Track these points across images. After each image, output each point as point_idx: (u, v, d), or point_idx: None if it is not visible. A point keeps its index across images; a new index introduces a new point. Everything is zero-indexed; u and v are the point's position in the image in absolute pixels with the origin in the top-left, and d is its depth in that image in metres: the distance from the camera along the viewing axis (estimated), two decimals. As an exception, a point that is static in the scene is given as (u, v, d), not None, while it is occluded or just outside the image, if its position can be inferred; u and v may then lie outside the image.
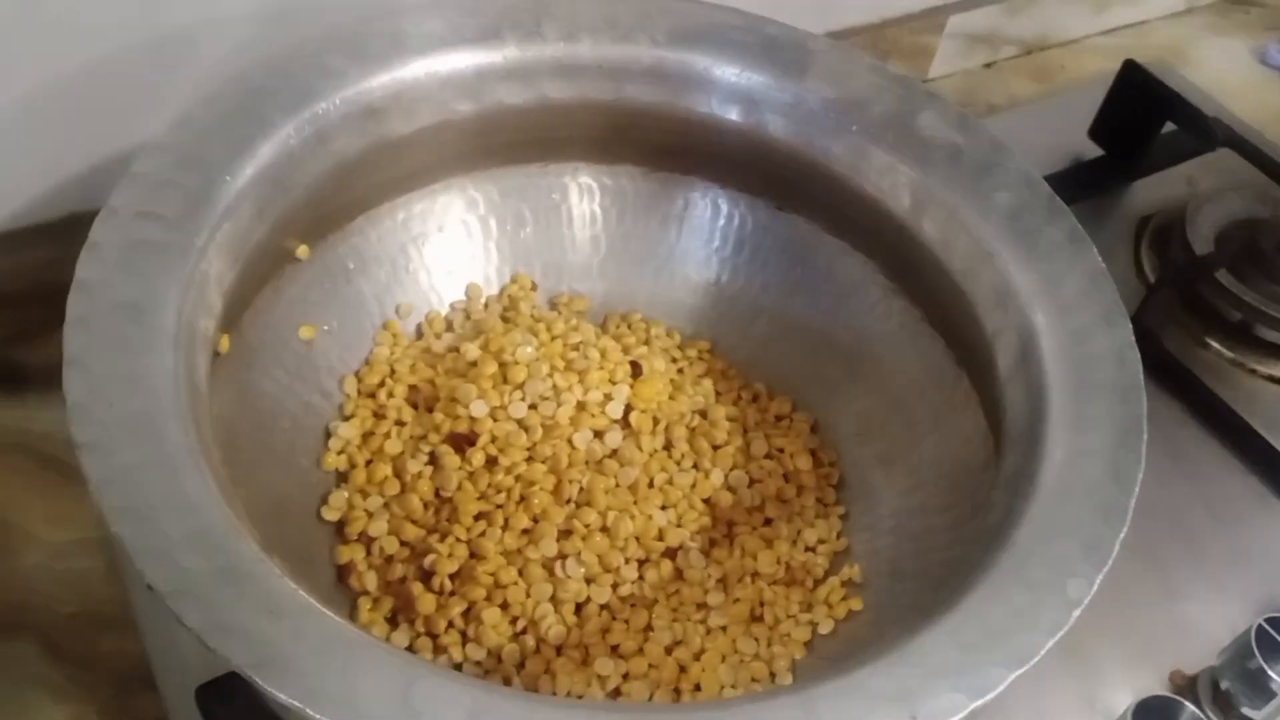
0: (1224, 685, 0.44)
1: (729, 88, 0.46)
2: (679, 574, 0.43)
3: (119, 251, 0.35)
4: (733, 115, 0.46)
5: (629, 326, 0.50)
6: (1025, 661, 0.29)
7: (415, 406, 0.46)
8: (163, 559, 0.28)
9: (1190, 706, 0.41)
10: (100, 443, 0.30)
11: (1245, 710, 0.44)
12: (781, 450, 0.47)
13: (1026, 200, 0.41)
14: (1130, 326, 0.38)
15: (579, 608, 0.41)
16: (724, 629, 0.42)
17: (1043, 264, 0.40)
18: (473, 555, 0.41)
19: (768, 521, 0.45)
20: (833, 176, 0.45)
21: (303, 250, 0.43)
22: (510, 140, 0.47)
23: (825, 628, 0.42)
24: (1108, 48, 0.82)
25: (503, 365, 0.44)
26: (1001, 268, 0.40)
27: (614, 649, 0.40)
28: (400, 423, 0.45)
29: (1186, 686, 0.46)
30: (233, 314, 0.40)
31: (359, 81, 0.41)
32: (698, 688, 0.40)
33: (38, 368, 0.54)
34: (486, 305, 0.50)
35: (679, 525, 0.44)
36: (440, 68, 0.43)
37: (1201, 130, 0.62)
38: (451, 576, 0.40)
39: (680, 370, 0.49)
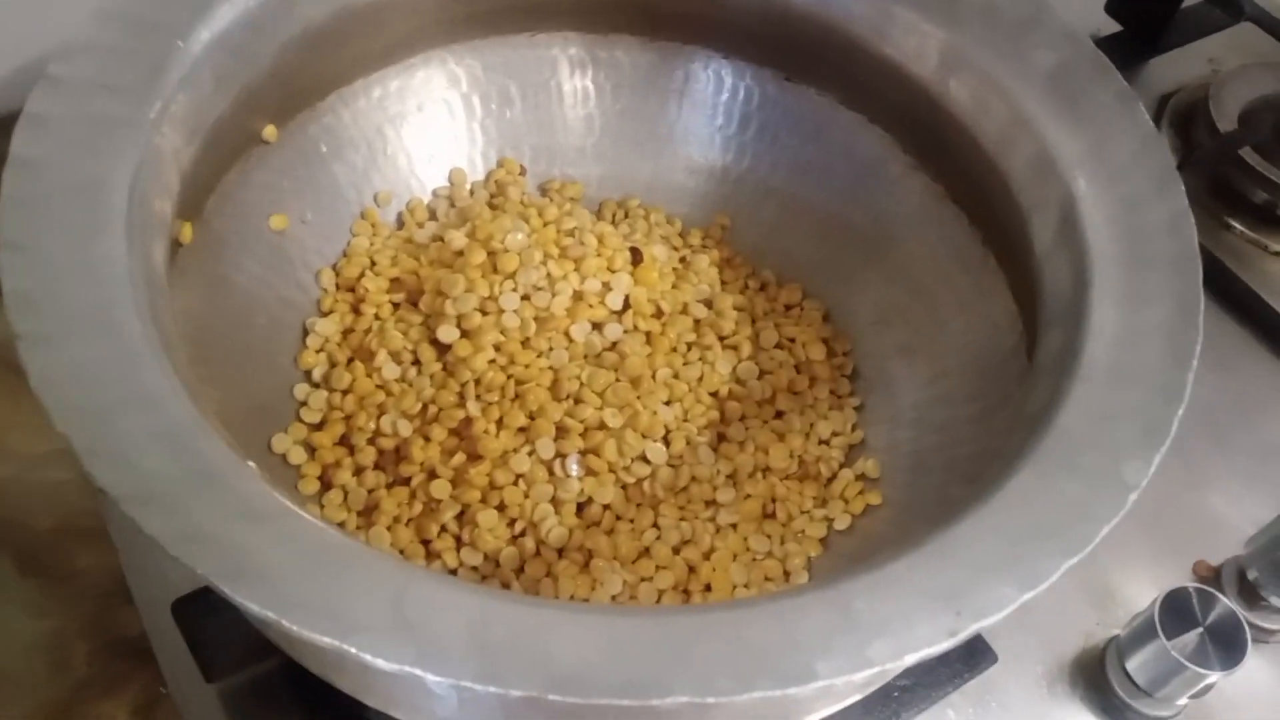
0: (1251, 575, 0.43)
1: (736, -58, 0.42)
2: (686, 471, 0.40)
3: (62, 125, 0.31)
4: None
5: (626, 213, 0.47)
6: (1079, 550, 0.27)
7: (396, 304, 0.42)
8: (118, 461, 0.25)
9: (1222, 597, 0.39)
10: (45, 334, 0.27)
11: (1273, 599, 0.42)
12: (793, 340, 0.44)
13: (1069, 59, 0.38)
14: (1184, 192, 0.35)
15: (580, 508, 0.39)
16: (734, 527, 0.39)
17: (1087, 128, 0.36)
18: (467, 457, 0.38)
19: (779, 415, 0.43)
20: (851, 41, 0.41)
21: (270, 131, 0.40)
22: (494, 6, 0.43)
23: (842, 523, 0.40)
24: (1127, -84, 0.77)
25: (492, 254, 0.41)
26: (1040, 134, 0.37)
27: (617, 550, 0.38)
28: (380, 318, 0.42)
29: (1211, 578, 0.44)
30: (195, 199, 0.36)
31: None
32: (708, 588, 0.38)
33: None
34: (472, 191, 0.46)
35: (685, 420, 0.41)
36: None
37: (1225, 3, 0.59)
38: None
39: (683, 259, 0.46)
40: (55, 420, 0.25)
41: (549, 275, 0.41)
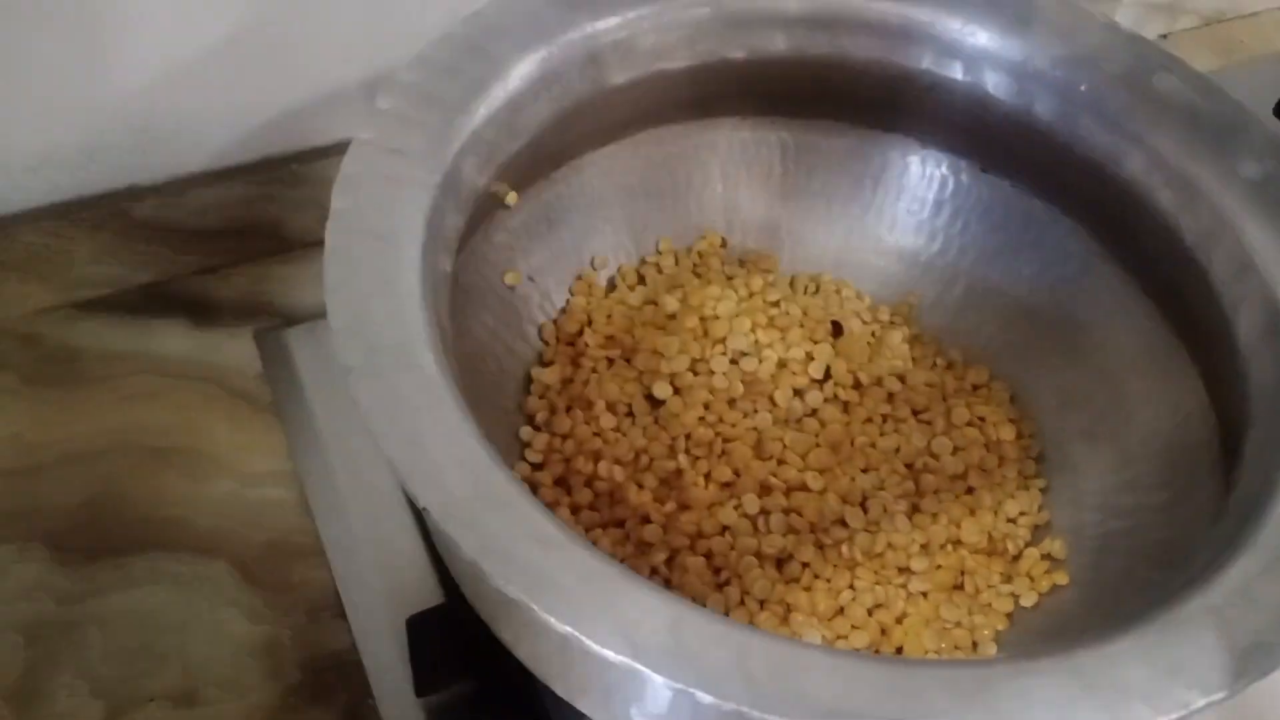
0: None
1: (948, 43, 0.44)
2: (883, 538, 0.42)
3: (369, 184, 0.35)
4: (954, 73, 0.45)
5: (818, 287, 0.50)
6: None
7: (610, 359, 0.46)
8: (433, 483, 0.28)
9: None
10: (366, 368, 0.30)
11: None
12: (983, 419, 0.46)
13: (1274, 168, 0.40)
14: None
15: (780, 564, 0.41)
16: (925, 595, 0.41)
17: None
18: (677, 505, 0.41)
19: (969, 490, 0.44)
20: (1054, 138, 0.44)
21: (512, 196, 0.44)
22: (715, 93, 0.47)
23: (1028, 600, 0.41)
24: (1293, 21, 0.79)
25: (703, 319, 0.44)
26: (1242, 236, 0.39)
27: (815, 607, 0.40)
28: (597, 371, 0.45)
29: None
30: (456, 256, 0.40)
31: (585, 25, 0.41)
32: (899, 650, 0.40)
33: (225, 302, 0.55)
34: (677, 260, 0.49)
35: (881, 488, 0.43)
36: (663, 16, 0.43)
37: None
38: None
39: (873, 333, 0.48)
40: (381, 445, 0.29)
41: (756, 342, 0.44)
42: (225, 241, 0.56)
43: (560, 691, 0.33)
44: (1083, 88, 0.43)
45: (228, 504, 0.50)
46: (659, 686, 0.26)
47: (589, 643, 0.26)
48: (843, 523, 0.42)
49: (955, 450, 0.45)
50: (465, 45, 0.39)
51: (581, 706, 0.33)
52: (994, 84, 0.44)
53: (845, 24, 0.44)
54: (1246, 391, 0.37)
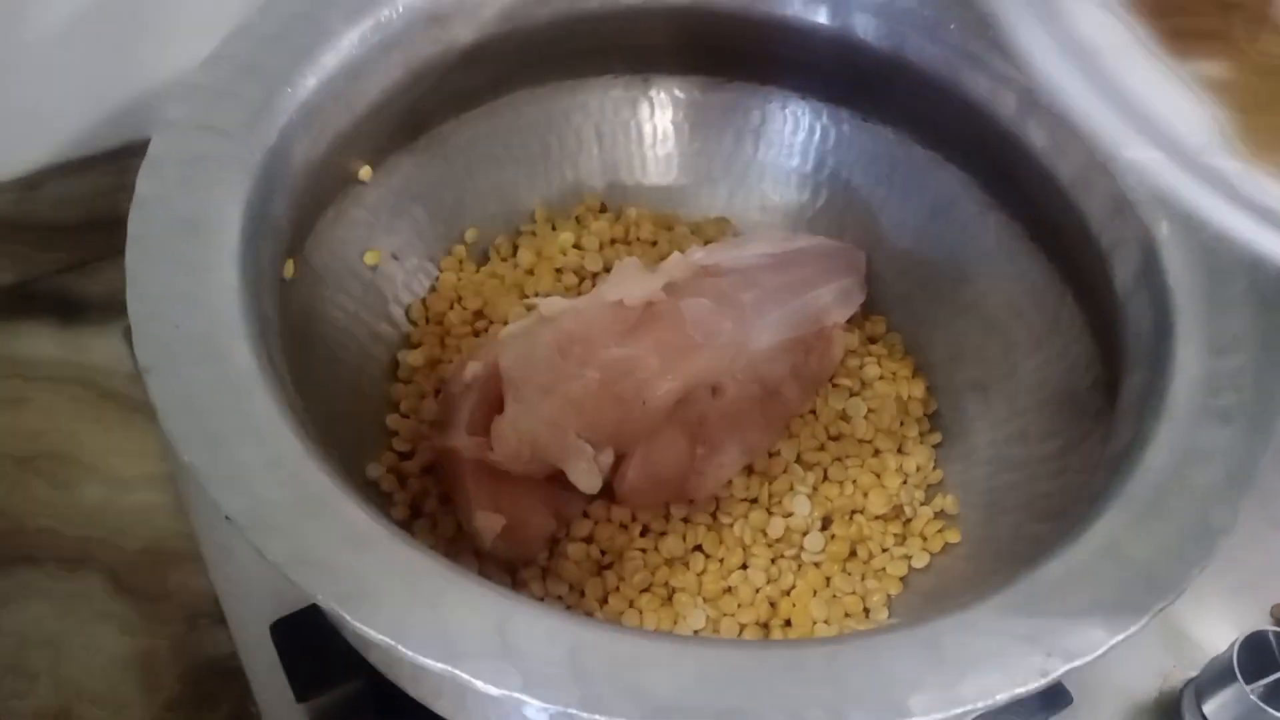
0: (1333, 620, 0.42)
1: (816, -14, 0.43)
2: (780, 522, 0.40)
3: (179, 166, 0.33)
4: (819, 17, 0.43)
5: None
6: (1168, 594, 0.27)
7: (477, 334, 0.44)
8: (239, 488, 0.26)
9: (1299, 641, 0.39)
10: (166, 366, 0.28)
11: (1357, 644, 0.41)
12: (895, 374, 0.44)
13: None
14: (1269, 234, 0.35)
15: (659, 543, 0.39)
16: (817, 565, 0.40)
17: (1167, 169, 0.36)
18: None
19: (876, 453, 0.43)
20: (928, 81, 0.42)
21: (365, 171, 0.41)
22: (575, 49, 0.45)
23: (920, 561, 0.40)
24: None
25: (559, 270, 0.43)
26: (1119, 175, 0.37)
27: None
28: (462, 350, 0.43)
29: (1289, 620, 0.44)
30: (296, 237, 0.38)
31: (422, -15, 0.39)
32: (788, 624, 0.39)
33: (95, 298, 0.53)
34: (555, 228, 0.47)
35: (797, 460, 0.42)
36: (508, -31, 0.40)
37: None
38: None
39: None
40: (180, 450, 0.27)
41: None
42: (89, 235, 0.53)
43: (415, 696, 0.32)
44: (952, 25, 0.41)
45: (99, 511, 0.48)
46: (483, 692, 0.24)
47: (404, 650, 0.24)
48: (749, 500, 0.40)
49: (868, 413, 0.43)
50: (291, 12, 0.37)
51: (439, 710, 0.32)
52: (862, 27, 0.42)
53: (704, -30, 0.42)
54: (1124, 337, 0.36)
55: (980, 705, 0.25)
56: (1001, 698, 0.25)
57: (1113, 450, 0.32)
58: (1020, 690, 0.25)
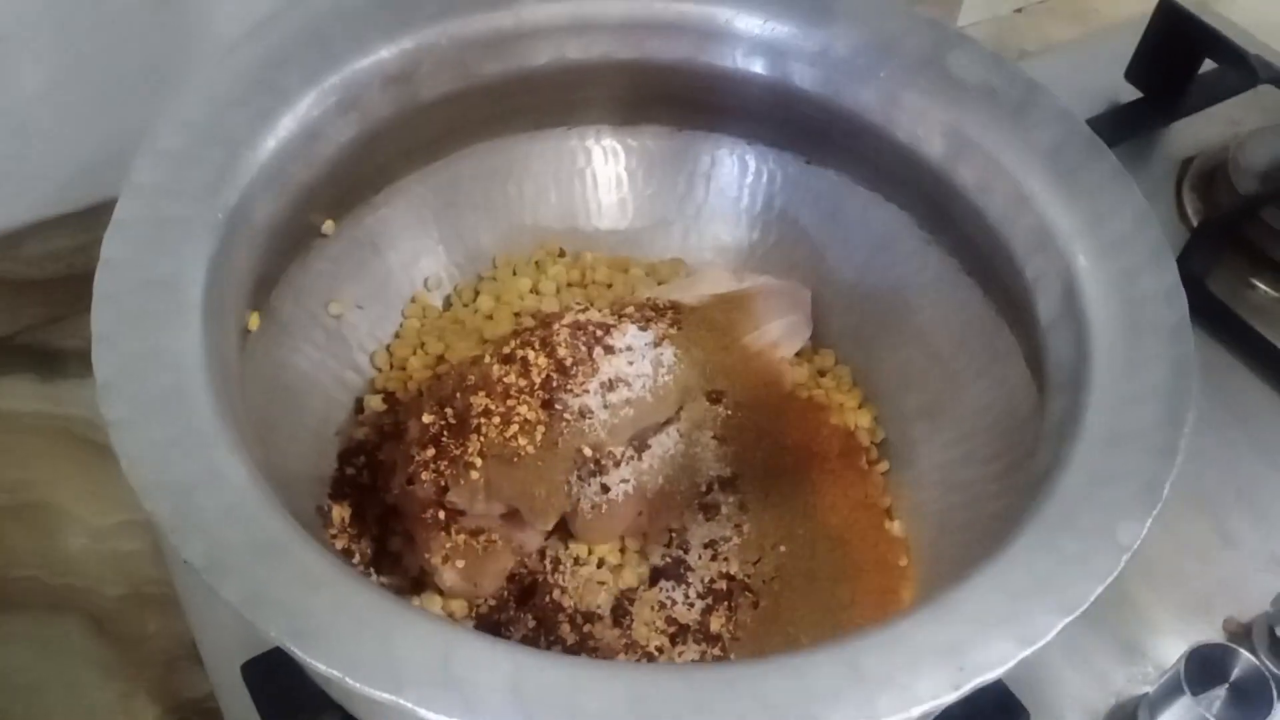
0: (1280, 631, 0.43)
1: (753, 40, 0.45)
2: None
3: (144, 229, 0.34)
4: (757, 68, 0.45)
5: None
6: (1076, 608, 0.29)
7: (438, 377, 0.45)
8: (198, 534, 0.28)
9: (1245, 654, 0.40)
10: (131, 419, 0.30)
11: (1302, 656, 0.43)
12: (842, 405, 0.46)
13: (1065, 139, 0.40)
14: (1176, 266, 0.37)
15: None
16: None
17: (1084, 204, 0.39)
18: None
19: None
20: (863, 125, 0.44)
21: (328, 225, 0.43)
22: (532, 103, 0.47)
23: (868, 586, 0.42)
24: (1141, -12, 0.80)
25: (517, 314, 0.44)
26: (1040, 210, 0.39)
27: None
28: (421, 394, 0.45)
29: (1241, 634, 0.45)
30: (261, 291, 0.39)
31: (378, 48, 0.41)
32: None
33: (72, 351, 0.55)
34: (515, 273, 0.49)
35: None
36: (461, 30, 0.42)
37: (1242, 67, 0.60)
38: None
39: (713, 330, 0.48)
40: (143, 499, 0.28)
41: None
42: (67, 289, 0.55)
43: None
44: (882, 74, 0.43)
45: (80, 559, 0.49)
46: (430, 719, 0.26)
47: (352, 683, 0.26)
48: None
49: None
50: (250, 76, 0.39)
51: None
52: (799, 76, 0.45)
53: (646, 26, 0.44)
54: (1048, 365, 0.37)
55: (898, 718, 0.26)
56: (916, 711, 0.26)
57: (1034, 473, 0.34)
58: (933, 703, 0.27)
